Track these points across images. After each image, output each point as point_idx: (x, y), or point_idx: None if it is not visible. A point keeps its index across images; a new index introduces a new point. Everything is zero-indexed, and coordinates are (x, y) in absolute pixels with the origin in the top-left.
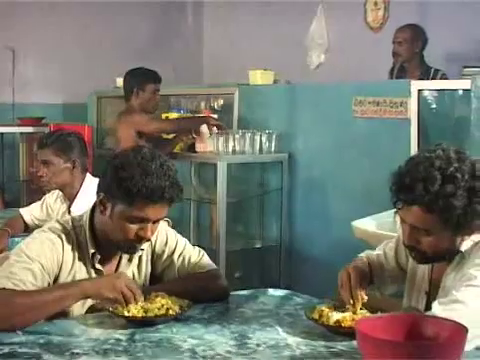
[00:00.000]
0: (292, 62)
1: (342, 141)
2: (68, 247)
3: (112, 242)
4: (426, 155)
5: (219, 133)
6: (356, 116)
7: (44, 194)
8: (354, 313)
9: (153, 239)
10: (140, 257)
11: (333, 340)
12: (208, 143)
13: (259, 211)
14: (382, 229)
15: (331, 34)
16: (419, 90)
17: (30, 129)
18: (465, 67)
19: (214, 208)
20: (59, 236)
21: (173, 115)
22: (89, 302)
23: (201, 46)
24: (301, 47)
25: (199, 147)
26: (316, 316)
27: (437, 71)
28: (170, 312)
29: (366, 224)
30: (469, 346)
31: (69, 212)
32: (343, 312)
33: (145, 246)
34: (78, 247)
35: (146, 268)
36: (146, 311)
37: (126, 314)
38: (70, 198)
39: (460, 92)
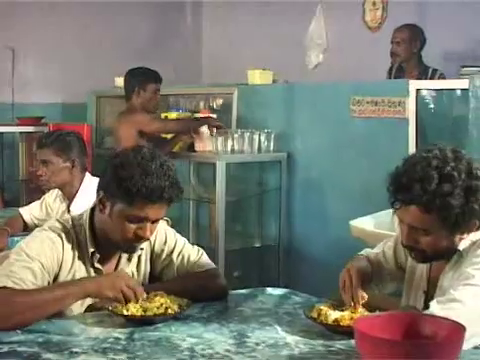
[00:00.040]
0: (291, 62)
1: (340, 141)
2: (68, 246)
3: (111, 241)
4: (423, 155)
5: (218, 133)
6: (354, 116)
7: (43, 193)
8: (353, 312)
9: (152, 238)
10: (139, 256)
11: (331, 339)
12: (207, 143)
13: (258, 210)
14: (380, 228)
15: (330, 34)
16: (417, 90)
17: (29, 129)
18: (463, 67)
19: (213, 207)
20: (59, 235)
21: (172, 115)
22: (88, 301)
23: (200, 46)
24: (300, 47)
25: (198, 146)
26: (315, 315)
27: (435, 71)
28: (169, 311)
29: (364, 223)
30: (467, 345)
31: (68, 211)
32: (342, 311)
33: (144, 245)
34: (78, 246)
35: (145, 267)
36: (145, 310)
37: (125, 313)
38: (69, 197)
39: (458, 92)
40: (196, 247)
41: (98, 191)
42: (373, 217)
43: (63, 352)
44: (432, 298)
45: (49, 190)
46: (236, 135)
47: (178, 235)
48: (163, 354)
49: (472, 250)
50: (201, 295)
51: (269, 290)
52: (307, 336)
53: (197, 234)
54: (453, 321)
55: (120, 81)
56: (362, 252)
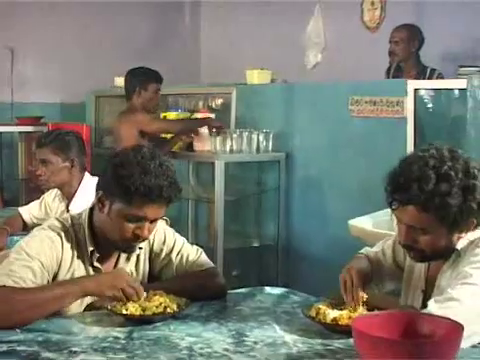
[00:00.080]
0: (289, 61)
1: (339, 140)
2: (67, 245)
3: (110, 241)
4: (420, 155)
5: (217, 132)
6: (353, 115)
7: (43, 193)
8: (351, 311)
9: (151, 238)
10: (138, 256)
11: (330, 338)
12: (206, 142)
13: (256, 210)
14: (378, 227)
15: (328, 34)
16: (415, 89)
17: (29, 128)
18: (461, 67)
19: (212, 207)
20: (58, 234)
21: (171, 115)
22: (87, 300)
23: (199, 46)
24: (298, 47)
25: (197, 146)
26: (313, 314)
27: (433, 71)
28: (168, 310)
29: (363, 222)
30: (465, 344)
31: (67, 211)
32: (340, 310)
33: (143, 245)
34: (77, 245)
35: (144, 266)
36: (144, 309)
37: (124, 312)
38: (68, 197)
39: (456, 91)
40: (195, 246)
41: (97, 190)
42: (372, 216)
43: (62, 351)
44: (430, 297)
45: (48, 190)
46: (235, 135)
47: (177, 234)
48: (162, 353)
49: (470, 249)
50: (200, 294)
51: (268, 289)
52: (305, 335)
53: (196, 233)
54: (451, 320)
55: (119, 81)
56: (362, 251)
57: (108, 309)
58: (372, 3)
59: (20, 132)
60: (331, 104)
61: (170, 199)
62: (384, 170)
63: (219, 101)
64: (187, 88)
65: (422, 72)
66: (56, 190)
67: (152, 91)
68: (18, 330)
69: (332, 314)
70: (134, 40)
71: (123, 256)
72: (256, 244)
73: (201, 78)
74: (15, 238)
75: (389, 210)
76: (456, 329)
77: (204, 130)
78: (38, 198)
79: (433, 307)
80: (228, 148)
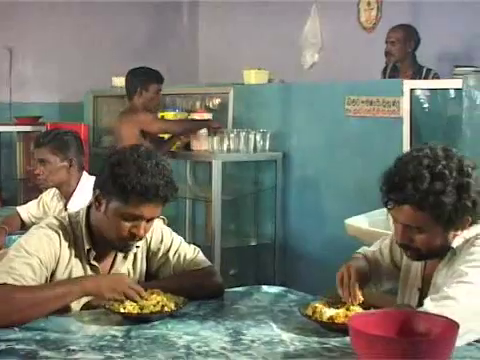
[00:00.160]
0: (286, 61)
1: (335, 140)
2: (65, 243)
3: (106, 239)
4: (414, 154)
5: (214, 132)
6: (349, 115)
7: (41, 192)
8: (348, 309)
9: (148, 237)
10: (135, 254)
11: (326, 336)
12: (203, 142)
13: (254, 209)
14: (375, 227)
15: (325, 34)
16: (411, 89)
17: (27, 128)
18: (457, 66)
19: (209, 206)
20: (56, 232)
21: (169, 115)
22: (85, 299)
23: (196, 46)
24: (295, 47)
25: (195, 146)
26: (310, 312)
27: (429, 71)
28: (165, 309)
29: (359, 222)
30: (460, 341)
31: (66, 210)
32: (337, 308)
33: (140, 243)
34: (74, 243)
35: (141, 265)
36: (142, 308)
37: (122, 311)
38: (66, 196)
39: (452, 91)
40: (192, 246)
41: (94, 189)
42: (368, 216)
43: (60, 350)
44: (426, 295)
45: (46, 189)
46: (232, 135)
47: (174, 234)
48: (160, 351)
49: (465, 248)
50: (197, 293)
51: (265, 288)
52: (302, 333)
53: (193, 233)
54: (447, 318)
55: (117, 81)
56: (360, 250)
57: (106, 308)
58: (368, 3)
59: (18, 132)
60: (328, 104)
61: (166, 198)
62: (380, 170)
63: (216, 101)
64: (185, 88)
65: (418, 72)
66: (54, 189)
67: (153, 91)
68: (16, 329)
69: (329, 313)
70: (132, 40)
71: (120, 255)
72: (253, 243)
73: (199, 78)
74: (13, 237)
75: (385, 209)
76: (452, 327)
77: (203, 130)
78: (36, 197)
79: (429, 305)
80: (225, 148)
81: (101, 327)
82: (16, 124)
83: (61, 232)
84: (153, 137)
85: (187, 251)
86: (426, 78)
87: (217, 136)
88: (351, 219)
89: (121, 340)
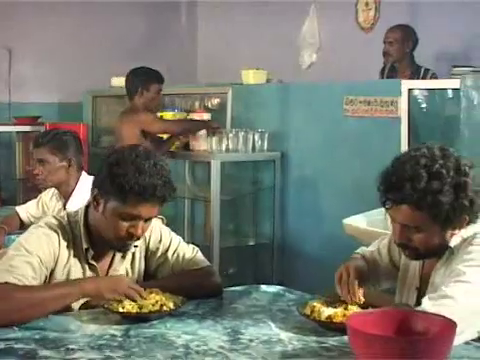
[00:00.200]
0: (284, 62)
1: (333, 140)
2: (64, 242)
3: (104, 239)
4: (411, 154)
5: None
6: (347, 115)
7: (40, 192)
8: (346, 309)
9: (147, 236)
10: (134, 254)
11: (324, 335)
12: (202, 142)
13: (252, 209)
14: (373, 226)
15: (323, 34)
16: (409, 89)
17: (26, 128)
18: (454, 66)
19: (208, 206)
20: (55, 231)
21: (168, 114)
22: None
23: (195, 46)
24: (293, 47)
25: (193, 145)
26: (308, 312)
27: (427, 71)
28: (164, 308)
29: (357, 221)
30: (458, 340)
31: (65, 210)
32: (335, 308)
33: (138, 243)
34: (73, 242)
35: (140, 265)
36: (140, 307)
37: (121, 310)
38: (65, 196)
39: (450, 91)
40: (191, 245)
41: (93, 188)
42: (366, 215)
43: (59, 349)
44: (424, 295)
45: (45, 189)
46: (231, 134)
47: (173, 233)
48: (158, 350)
49: (463, 247)
50: (196, 292)
51: (263, 287)
52: (300, 333)
53: (192, 232)
54: (445, 317)
55: (116, 81)
56: (358, 250)
57: (104, 307)
58: (366, 4)
59: (18, 132)
60: (326, 104)
61: (164, 198)
62: (378, 169)
63: (215, 101)
64: (183, 88)
65: (416, 72)
66: (53, 189)
67: (154, 91)
68: (16, 328)
69: (327, 312)
70: (131, 40)
71: (118, 254)
72: (252, 243)
73: (197, 78)
74: (12, 237)
75: (383, 209)
76: (449, 326)
77: (202, 130)
78: (35, 197)
79: (427, 305)
80: (224, 148)
81: (100, 326)
82: (15, 124)
83: (60, 231)
84: (153, 137)
85: (186, 251)
86: (424, 78)
87: (216, 136)
88: (349, 219)
89: (120, 339)
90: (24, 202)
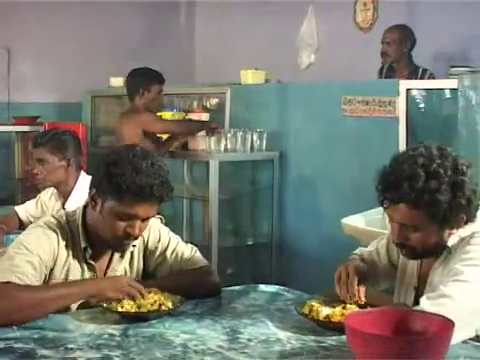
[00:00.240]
0: (283, 62)
1: (332, 139)
2: (62, 241)
3: (102, 238)
4: (409, 153)
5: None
6: (345, 115)
7: (39, 192)
8: (344, 308)
9: (145, 236)
10: (132, 253)
11: (323, 335)
12: (201, 142)
13: (251, 208)
14: (371, 226)
15: (321, 34)
16: (407, 89)
17: (25, 128)
18: (452, 67)
19: (207, 205)
20: (54, 231)
21: (167, 114)
22: None
23: (194, 46)
24: (292, 47)
25: (192, 145)
26: (306, 311)
27: (425, 71)
28: (163, 308)
29: (355, 221)
30: (456, 339)
31: (64, 209)
32: (333, 307)
33: (137, 242)
34: (72, 242)
35: (138, 264)
36: (139, 307)
37: (119, 309)
38: (64, 195)
39: (447, 91)
40: (189, 245)
41: (90, 188)
42: (364, 215)
43: (58, 348)
44: (422, 294)
45: (44, 188)
46: (229, 134)
47: (171, 233)
48: (157, 350)
49: (460, 246)
50: (195, 292)
51: (261, 287)
52: (299, 332)
53: (191, 232)
54: (443, 317)
55: (115, 81)
56: (356, 251)
57: (103, 306)
58: (365, 4)
59: (17, 132)
60: (324, 104)
61: (161, 198)
62: (376, 169)
63: (214, 101)
64: (182, 88)
65: (414, 72)
66: (52, 189)
67: (155, 92)
68: (15, 327)
69: (325, 311)
70: (129, 40)
71: (117, 253)
72: (250, 242)
73: (196, 78)
74: (11, 237)
75: (381, 208)
76: (448, 326)
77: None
78: (34, 197)
79: (425, 304)
80: (222, 147)
81: (99, 326)
82: (14, 124)
83: (59, 231)
84: (154, 137)
85: (184, 250)
86: (422, 78)
87: (214, 136)
88: (347, 218)
89: (119, 339)
90: (23, 202)
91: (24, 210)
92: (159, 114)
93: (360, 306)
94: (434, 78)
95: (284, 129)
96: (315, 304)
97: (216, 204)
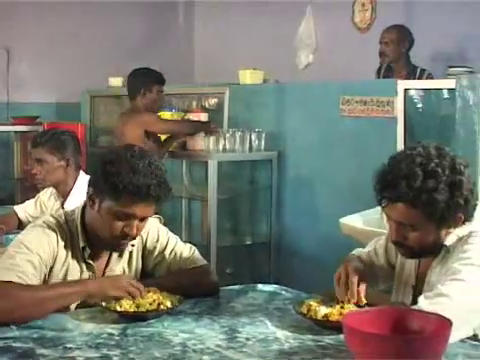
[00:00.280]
0: (281, 62)
1: (330, 139)
2: (61, 241)
3: (100, 238)
4: (407, 153)
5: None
6: (344, 115)
7: (38, 192)
8: (342, 307)
9: (144, 235)
10: (131, 253)
11: (321, 334)
12: (199, 142)
13: (249, 208)
14: (369, 225)
15: (319, 34)
16: (405, 89)
17: (24, 128)
18: (450, 67)
19: (205, 205)
20: (53, 230)
21: (166, 114)
22: None
23: (192, 46)
24: (290, 47)
25: (191, 145)
26: (304, 310)
27: (423, 71)
28: (161, 307)
29: (353, 221)
30: (454, 338)
31: (63, 209)
32: (331, 306)
33: (136, 242)
34: (70, 241)
35: (137, 264)
36: (138, 306)
37: (118, 309)
38: (63, 195)
39: (445, 91)
40: (188, 244)
41: (88, 187)
42: (362, 215)
43: (57, 348)
44: (420, 293)
45: (43, 188)
46: (228, 134)
47: (170, 233)
48: (156, 349)
49: (458, 246)
50: (193, 291)
51: (260, 286)
52: (297, 331)
53: (190, 232)
54: (440, 316)
55: (113, 81)
56: (354, 252)
57: (102, 306)
58: (363, 4)
59: (16, 131)
60: (322, 104)
61: (158, 198)
62: (374, 169)
63: (212, 101)
64: (181, 88)
65: (412, 72)
66: (51, 189)
67: (156, 92)
68: (14, 327)
69: (323, 310)
70: (128, 40)
71: (115, 253)
72: (249, 242)
73: (194, 78)
74: (10, 236)
75: (379, 208)
76: (445, 325)
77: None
78: (34, 197)
79: (423, 303)
80: (221, 147)
81: (97, 325)
82: (13, 124)
83: (58, 230)
84: (154, 137)
85: (183, 250)
86: (420, 78)
87: (213, 136)
88: (346, 218)
89: (117, 338)
90: (22, 201)
91: (23, 210)
92: (158, 114)
93: (358, 305)
94: (432, 78)
95: (282, 129)
96: (313, 303)
97: (215, 204)
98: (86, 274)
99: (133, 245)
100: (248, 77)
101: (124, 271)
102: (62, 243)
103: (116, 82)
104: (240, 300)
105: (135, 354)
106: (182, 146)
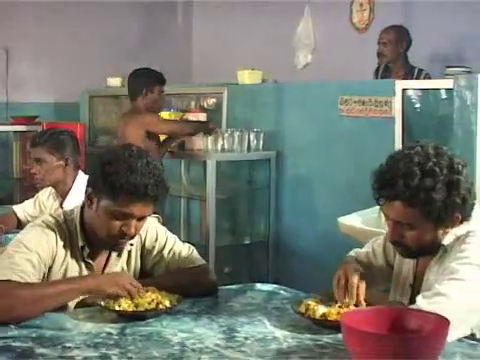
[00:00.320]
0: (280, 62)
1: (328, 139)
2: (60, 240)
3: (98, 237)
4: (405, 152)
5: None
6: (342, 115)
7: (37, 191)
8: (340, 306)
9: (143, 235)
10: (129, 252)
11: (319, 333)
12: (198, 141)
13: (248, 208)
14: (367, 225)
15: (318, 35)
16: (403, 90)
17: (23, 128)
18: (448, 67)
19: (204, 205)
20: (53, 229)
21: (165, 114)
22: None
23: (191, 46)
24: (288, 47)
25: (189, 145)
26: (303, 310)
27: (421, 71)
28: (160, 306)
29: (352, 220)
30: (451, 337)
31: (61, 209)
32: (329, 306)
33: (134, 241)
34: (69, 240)
35: (135, 263)
36: (137, 305)
37: (117, 308)
38: (62, 195)
39: (443, 91)
40: (187, 244)
41: (87, 187)
42: (360, 214)
43: (56, 347)
44: (418, 292)
45: (42, 188)
46: (226, 134)
47: (169, 233)
48: (154, 349)
49: (456, 245)
50: (192, 290)
51: (258, 286)
52: (295, 330)
53: (188, 231)
54: (438, 315)
55: (112, 81)
56: (351, 253)
57: (101, 305)
58: (361, 4)
59: (15, 131)
60: (320, 104)
61: (156, 197)
62: (372, 169)
63: (211, 101)
64: (179, 88)
65: (410, 72)
66: (50, 188)
67: (157, 93)
68: (13, 326)
69: (321, 310)
70: (127, 40)
71: (114, 252)
72: (247, 241)
73: (193, 78)
74: (9, 236)
75: (377, 208)
76: (443, 324)
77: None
78: (33, 196)
79: (421, 302)
80: (220, 147)
81: (96, 324)
82: (12, 124)
83: (57, 230)
84: (156, 138)
85: (181, 249)
86: (418, 78)
87: (212, 136)
88: (344, 217)
89: (116, 337)
90: (21, 201)
91: (22, 209)
92: (159, 115)
93: (356, 305)
94: (430, 78)
95: (281, 129)
96: (311, 303)
97: (213, 203)
98: (85, 273)
99: (132, 244)
100: (246, 77)
101: (123, 270)
102: (61, 242)
103: (115, 82)
104: (239, 299)
105: (134, 353)
106: (181, 146)
